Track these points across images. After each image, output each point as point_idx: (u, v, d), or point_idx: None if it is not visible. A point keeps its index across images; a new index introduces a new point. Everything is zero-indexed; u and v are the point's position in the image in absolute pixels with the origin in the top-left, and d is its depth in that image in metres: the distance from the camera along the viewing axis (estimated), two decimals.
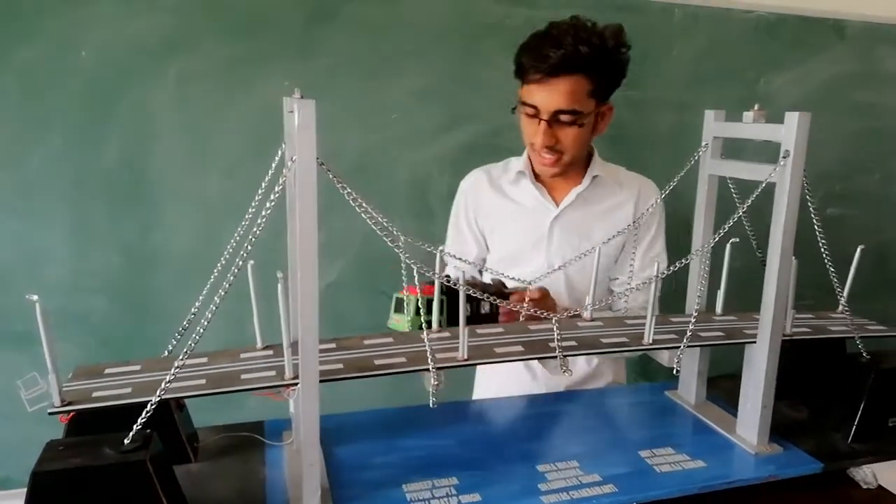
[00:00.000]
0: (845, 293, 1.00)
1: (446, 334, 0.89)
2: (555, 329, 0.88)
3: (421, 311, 0.90)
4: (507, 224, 1.40)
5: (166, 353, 0.82)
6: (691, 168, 0.99)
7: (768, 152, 0.87)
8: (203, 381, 0.74)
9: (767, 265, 0.89)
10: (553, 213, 1.36)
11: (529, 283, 0.96)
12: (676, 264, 0.95)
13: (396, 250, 0.78)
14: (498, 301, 0.93)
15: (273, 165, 0.76)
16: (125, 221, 1.69)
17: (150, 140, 1.66)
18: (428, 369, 0.79)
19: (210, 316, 0.70)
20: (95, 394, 0.72)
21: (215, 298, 0.70)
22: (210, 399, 0.72)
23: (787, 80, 2.05)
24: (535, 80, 1.22)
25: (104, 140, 1.63)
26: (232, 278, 0.70)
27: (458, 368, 0.81)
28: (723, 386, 1.08)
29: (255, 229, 0.70)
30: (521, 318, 0.98)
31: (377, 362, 0.80)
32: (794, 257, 0.88)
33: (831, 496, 0.96)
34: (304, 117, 0.65)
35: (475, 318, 1.01)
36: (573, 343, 0.88)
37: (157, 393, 0.68)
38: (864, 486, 0.98)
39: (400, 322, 0.96)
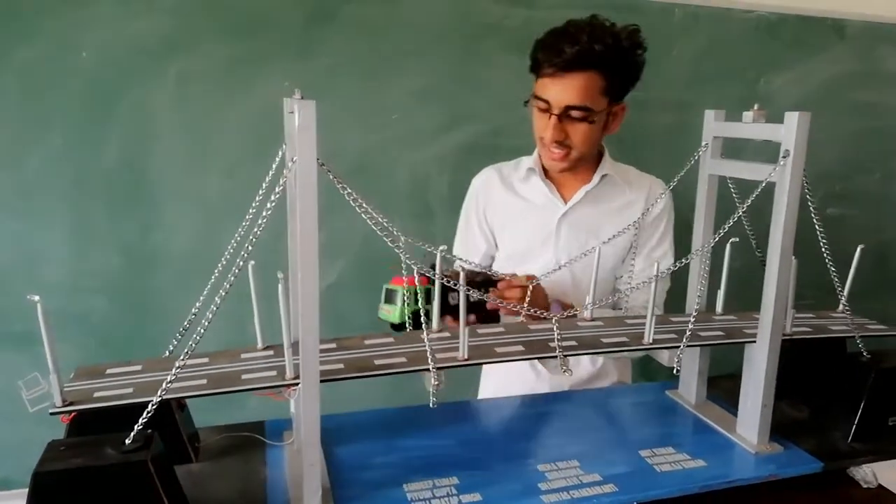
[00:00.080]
0: (845, 292, 1.00)
1: (446, 334, 0.89)
2: (555, 329, 0.88)
3: (413, 301, 0.91)
4: (516, 221, 1.41)
5: (167, 353, 0.82)
6: (691, 168, 0.99)
7: (768, 152, 0.87)
8: (204, 382, 0.74)
9: (767, 265, 0.89)
10: (561, 210, 1.37)
11: (515, 274, 0.96)
12: (676, 264, 0.96)
13: (397, 250, 0.78)
14: (473, 291, 0.86)
15: (273, 166, 0.76)
16: (125, 221, 1.69)
17: (150, 140, 1.66)
18: (428, 369, 0.79)
19: (211, 316, 0.70)
20: (97, 394, 0.72)
21: (216, 299, 0.70)
22: (211, 399, 0.72)
23: (788, 80, 2.05)
24: (548, 75, 1.23)
25: (104, 140, 1.63)
26: (232, 279, 0.70)
27: (459, 368, 0.82)
28: (723, 385, 1.08)
29: (255, 230, 0.70)
30: (513, 307, 0.98)
31: (377, 362, 0.80)
32: (794, 257, 0.88)
33: (831, 495, 0.97)
34: (304, 118, 0.65)
35: (448, 308, 1.00)
36: (573, 343, 0.88)
37: (159, 393, 0.68)
38: (865, 486, 0.98)
39: (390, 313, 0.96)
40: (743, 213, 0.90)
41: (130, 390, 0.72)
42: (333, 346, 0.84)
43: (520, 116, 1.34)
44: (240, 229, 0.77)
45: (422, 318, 0.89)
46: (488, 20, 1.78)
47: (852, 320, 1.01)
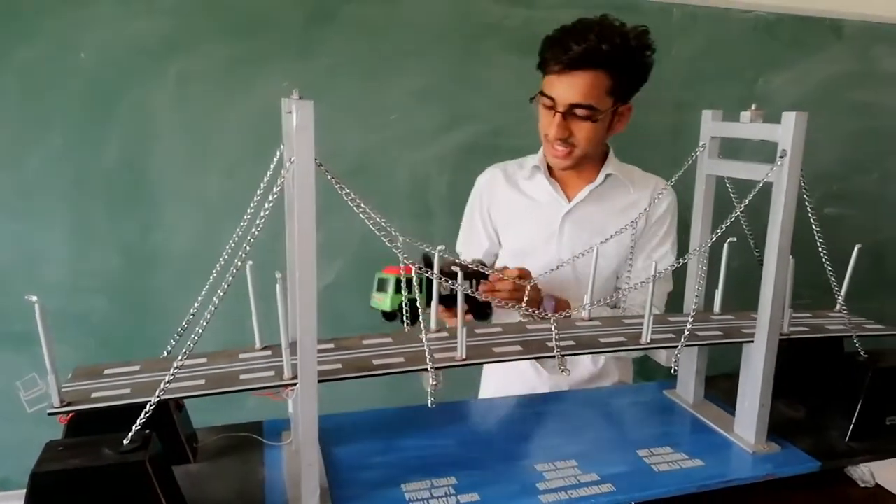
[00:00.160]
0: (843, 292, 1.00)
1: (444, 334, 0.89)
2: (553, 329, 0.88)
3: (403, 289, 0.91)
4: (520, 218, 1.41)
5: (165, 353, 0.82)
6: (689, 168, 1.00)
7: (766, 152, 0.87)
8: (202, 382, 0.74)
9: (765, 264, 0.89)
10: (565, 208, 1.37)
11: (506, 267, 0.96)
12: (674, 263, 0.96)
13: (395, 250, 0.78)
14: (450, 281, 0.85)
15: (272, 166, 0.76)
16: (125, 221, 1.69)
17: (150, 140, 1.66)
18: (426, 369, 0.79)
19: (209, 316, 0.70)
20: (95, 394, 0.72)
21: (214, 299, 0.70)
22: (209, 399, 0.72)
23: (786, 80, 2.05)
24: (555, 72, 1.23)
25: (104, 140, 1.63)
26: (231, 279, 0.70)
27: (459, 369, 0.82)
28: (721, 385, 1.08)
29: (253, 230, 0.70)
30: (505, 304, 0.98)
31: (376, 362, 0.81)
32: (791, 257, 0.88)
33: (829, 495, 0.97)
34: (302, 118, 0.66)
35: (441, 298, 0.99)
36: (571, 343, 0.88)
37: (157, 393, 0.68)
38: (862, 485, 0.98)
39: (382, 301, 0.96)
40: (741, 212, 0.90)
41: (128, 391, 0.72)
42: (331, 346, 0.85)
43: (520, 116, 1.34)
44: (238, 229, 0.78)
45: (417, 308, 0.88)
46: (488, 20, 1.78)
47: (849, 320, 1.01)
